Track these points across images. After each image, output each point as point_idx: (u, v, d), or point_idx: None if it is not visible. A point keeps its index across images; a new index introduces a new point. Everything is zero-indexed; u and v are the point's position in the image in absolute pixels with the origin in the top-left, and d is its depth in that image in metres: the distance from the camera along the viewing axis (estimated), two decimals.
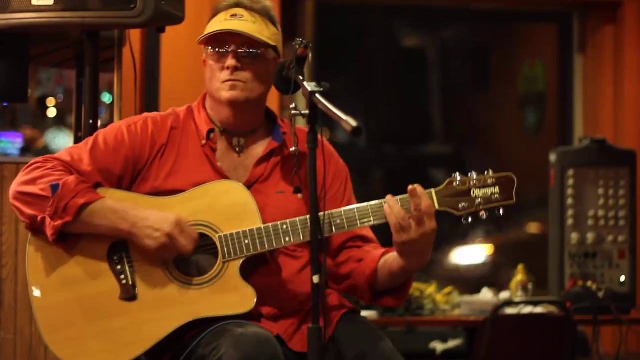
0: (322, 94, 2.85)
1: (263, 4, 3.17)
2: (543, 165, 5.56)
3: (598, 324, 5.21)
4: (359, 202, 3.15)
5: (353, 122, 2.70)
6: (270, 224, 3.00)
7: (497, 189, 3.03)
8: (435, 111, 7.37)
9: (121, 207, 2.98)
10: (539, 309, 5.26)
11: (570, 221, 5.36)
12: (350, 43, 7.00)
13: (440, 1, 6.78)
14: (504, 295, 5.64)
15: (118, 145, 3.10)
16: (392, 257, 3.04)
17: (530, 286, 5.59)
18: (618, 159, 5.48)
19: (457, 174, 3.03)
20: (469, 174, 3.03)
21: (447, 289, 5.55)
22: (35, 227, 3.00)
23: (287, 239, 3.00)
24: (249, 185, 3.09)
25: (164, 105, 5.48)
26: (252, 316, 3.00)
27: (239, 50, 3.10)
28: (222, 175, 3.11)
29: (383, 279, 3.08)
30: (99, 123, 3.82)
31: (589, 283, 5.30)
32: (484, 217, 3.03)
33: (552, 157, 5.43)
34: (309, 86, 2.87)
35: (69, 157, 3.08)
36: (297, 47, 2.97)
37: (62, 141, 8.08)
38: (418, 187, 2.95)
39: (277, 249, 3.05)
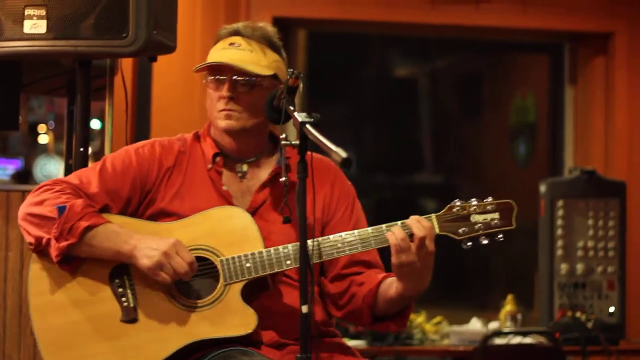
0: (313, 124, 2.85)
1: (262, 31, 3.17)
2: (533, 196, 5.57)
3: (587, 355, 5.21)
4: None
5: (343, 153, 2.70)
6: (271, 248, 2.99)
7: (497, 215, 3.03)
8: (426, 141, 7.39)
9: (124, 231, 3.00)
10: (528, 339, 5.26)
11: (559, 252, 5.37)
12: (341, 73, 7.02)
13: (432, 32, 6.79)
14: (493, 325, 5.64)
15: (126, 168, 3.13)
16: (391, 281, 3.04)
17: (519, 316, 5.59)
18: (608, 190, 5.50)
19: (457, 200, 3.03)
20: (469, 201, 3.04)
21: (437, 319, 5.55)
22: (41, 249, 3.02)
23: (288, 262, 2.99)
24: (253, 211, 3.10)
25: (155, 134, 5.48)
26: (252, 342, 2.99)
27: (236, 78, 3.12)
28: (227, 199, 3.12)
29: (383, 302, 3.07)
30: (90, 150, 3.83)
31: (578, 314, 5.31)
32: (485, 242, 3.03)
33: (542, 188, 5.44)
34: (300, 116, 2.87)
35: (78, 181, 3.11)
36: (289, 77, 2.97)
37: (52, 168, 8.07)
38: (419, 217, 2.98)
39: (279, 276, 3.04)
